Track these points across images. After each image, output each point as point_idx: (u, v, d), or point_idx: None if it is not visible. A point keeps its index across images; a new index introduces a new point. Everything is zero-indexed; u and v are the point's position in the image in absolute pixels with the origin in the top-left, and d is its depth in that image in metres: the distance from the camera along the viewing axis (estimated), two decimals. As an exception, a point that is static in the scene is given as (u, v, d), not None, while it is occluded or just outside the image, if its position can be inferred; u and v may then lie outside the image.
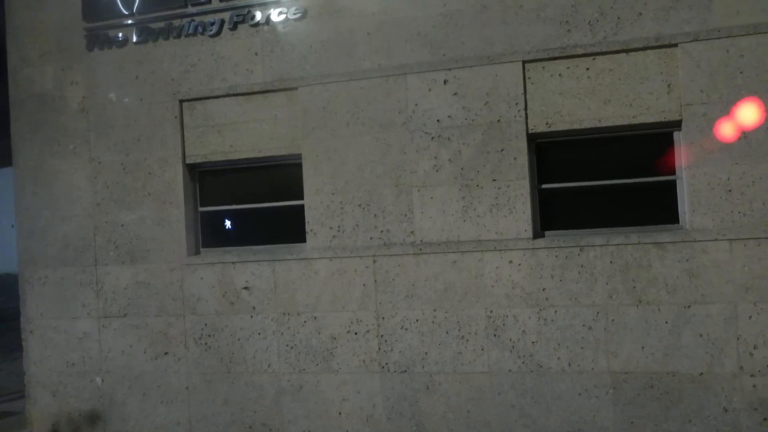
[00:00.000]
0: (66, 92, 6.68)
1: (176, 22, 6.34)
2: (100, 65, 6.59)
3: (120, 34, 6.49)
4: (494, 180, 5.56)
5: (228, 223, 6.53)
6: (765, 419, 5.03)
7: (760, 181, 5.07)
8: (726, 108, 5.15)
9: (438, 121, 5.69)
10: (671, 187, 5.42)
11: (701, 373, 5.15)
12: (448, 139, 5.67)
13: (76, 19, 6.60)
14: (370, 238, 5.82)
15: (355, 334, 5.84)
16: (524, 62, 5.54)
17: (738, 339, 5.09)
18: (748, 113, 5.11)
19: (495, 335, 5.54)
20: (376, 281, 5.80)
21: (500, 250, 5.54)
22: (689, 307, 5.18)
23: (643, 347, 5.25)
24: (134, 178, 6.47)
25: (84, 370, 6.58)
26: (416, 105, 5.75)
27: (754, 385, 5.06)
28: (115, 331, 6.48)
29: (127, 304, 6.45)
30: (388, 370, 5.77)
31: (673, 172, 5.41)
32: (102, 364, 6.54)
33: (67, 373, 6.63)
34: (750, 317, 5.07)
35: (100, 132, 6.57)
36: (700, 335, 5.15)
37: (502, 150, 5.56)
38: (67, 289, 6.63)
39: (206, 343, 6.23)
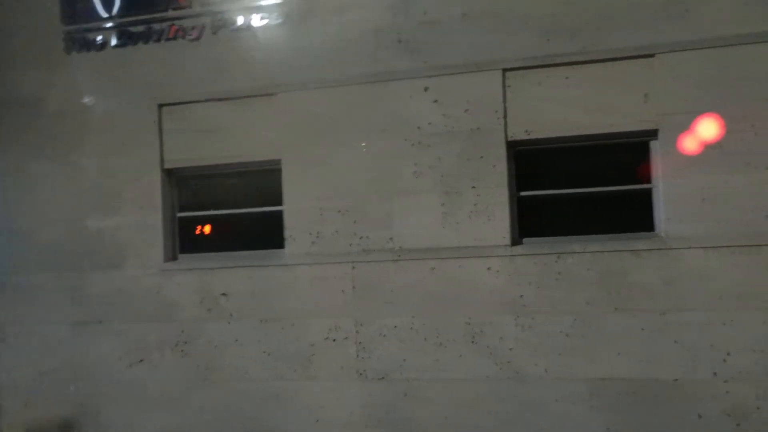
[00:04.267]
0: (46, 96, 6.60)
1: (156, 26, 6.31)
2: (80, 69, 6.53)
3: (99, 38, 6.44)
4: (473, 187, 5.59)
5: (206, 229, 6.48)
6: (738, 425, 5.09)
7: (734, 190, 5.14)
8: (702, 118, 5.23)
9: (419, 128, 5.71)
10: (648, 195, 5.48)
11: (676, 380, 5.19)
12: (429, 146, 5.69)
13: (56, 22, 6.55)
14: (350, 245, 5.82)
15: (334, 340, 5.82)
16: (504, 70, 5.58)
17: (712, 346, 5.14)
18: (723, 124, 5.19)
19: (473, 342, 5.55)
20: (354, 288, 5.79)
21: (479, 257, 5.56)
22: (665, 314, 5.23)
23: (619, 354, 5.29)
24: (112, 183, 6.40)
25: (58, 377, 6.47)
26: (397, 112, 5.77)
27: (727, 391, 5.11)
28: (91, 337, 6.40)
29: (103, 311, 6.37)
30: (366, 377, 5.76)
31: (649, 180, 5.47)
32: (77, 372, 6.44)
33: (41, 381, 6.51)
34: (724, 324, 5.12)
35: (79, 136, 6.50)
36: (675, 342, 5.20)
37: (482, 157, 5.59)
38: (43, 294, 6.52)
39: (183, 351, 6.16)
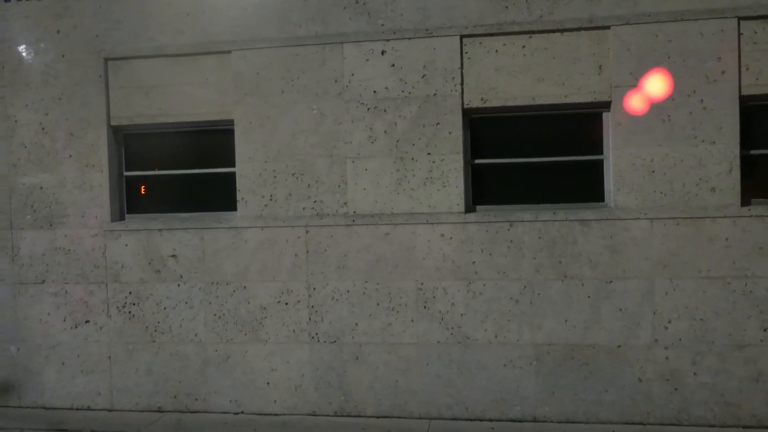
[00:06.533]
0: (-21, 45, 6.27)
1: (102, -24, 6.03)
2: (17, 17, 6.20)
3: (40, -15, 6.12)
4: (428, 153, 5.59)
5: (154, 189, 6.31)
6: (676, 389, 5.32)
7: (681, 163, 5.29)
8: (652, 91, 5.33)
9: (374, 92, 5.65)
10: (599, 166, 5.59)
11: (619, 346, 5.39)
12: (384, 110, 5.65)
13: (-9, -34, 6.19)
14: (303, 209, 5.77)
15: (286, 304, 5.80)
16: (462, 36, 5.55)
17: (654, 313, 5.34)
18: (673, 98, 5.30)
19: (425, 307, 5.62)
20: (308, 252, 5.76)
21: (432, 224, 5.59)
22: (610, 282, 5.39)
23: (566, 320, 5.44)
24: (53, 139, 6.15)
25: (-3, 338, 6.30)
26: (353, 75, 5.69)
27: (667, 357, 5.33)
28: (31, 298, 6.21)
29: (44, 271, 6.18)
30: (318, 341, 5.77)
31: (601, 151, 5.58)
32: (17, 333, 6.26)
33: (-22, 342, 6.33)
34: (666, 293, 5.32)
35: (17, 89, 6.21)
36: (620, 309, 5.38)
37: (438, 124, 5.58)
38: (-22, 253, 6.30)
39: (130, 312, 6.05)
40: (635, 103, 5.37)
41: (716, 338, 5.28)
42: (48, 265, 6.18)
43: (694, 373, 5.31)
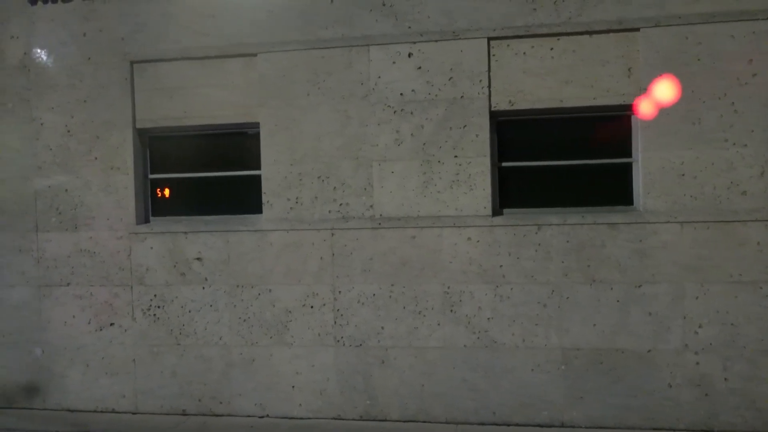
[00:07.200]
0: (4, 47, 6.28)
1: (129, -22, 6.04)
2: (42, 20, 6.22)
3: (67, -12, 6.14)
4: (455, 156, 5.56)
5: (178, 192, 6.30)
6: (706, 395, 5.26)
7: (711, 166, 5.24)
8: (683, 94, 5.28)
9: (401, 94, 5.63)
10: (627, 169, 5.54)
11: (648, 350, 5.33)
12: (411, 113, 5.62)
13: (18, -31, 6.21)
14: (329, 211, 5.74)
15: (311, 307, 5.78)
16: (489, 39, 5.52)
17: (684, 318, 5.28)
18: (704, 100, 5.25)
19: (451, 311, 5.58)
20: (333, 255, 5.74)
21: (459, 227, 5.56)
22: (640, 286, 5.34)
23: (594, 325, 5.39)
24: (79, 142, 6.16)
25: (21, 340, 6.30)
26: (379, 77, 5.67)
27: (697, 363, 5.27)
28: (56, 300, 6.22)
29: (69, 273, 6.19)
30: (343, 344, 5.75)
31: (629, 154, 5.53)
32: (41, 335, 6.27)
33: (3, 344, 6.33)
34: (696, 297, 5.26)
35: (42, 92, 6.22)
36: (649, 314, 5.32)
37: (465, 126, 5.55)
38: (3, 256, 6.30)
39: (155, 315, 6.05)
40: (666, 105, 5.32)
41: (747, 343, 5.22)
42: (73, 267, 6.19)
43: (725, 379, 5.24)
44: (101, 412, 6.19)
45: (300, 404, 5.83)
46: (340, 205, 5.73)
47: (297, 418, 5.83)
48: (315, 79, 5.77)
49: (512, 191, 5.74)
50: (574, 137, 5.64)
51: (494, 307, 5.53)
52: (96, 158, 6.13)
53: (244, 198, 6.10)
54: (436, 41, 5.58)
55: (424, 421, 5.66)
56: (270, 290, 5.84)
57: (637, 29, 5.35)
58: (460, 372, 5.59)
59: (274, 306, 5.85)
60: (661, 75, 5.31)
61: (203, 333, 5.97)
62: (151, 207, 6.31)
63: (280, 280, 5.83)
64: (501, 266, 5.51)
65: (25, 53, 6.26)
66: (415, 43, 5.61)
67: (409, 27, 5.61)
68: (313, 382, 5.81)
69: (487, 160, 5.53)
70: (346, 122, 5.72)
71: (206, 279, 5.95)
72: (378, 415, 5.71)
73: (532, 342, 5.49)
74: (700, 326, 5.26)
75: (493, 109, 5.56)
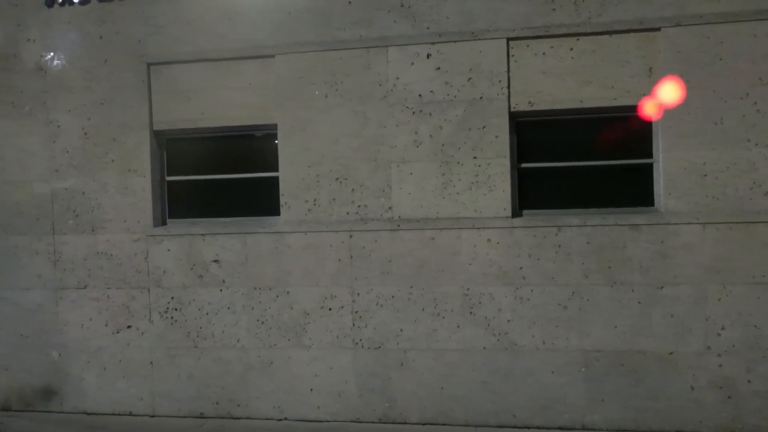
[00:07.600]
0: (21, 50, 6.29)
1: (145, -20, 6.03)
2: (59, 22, 6.22)
3: (83, -9, 6.14)
4: (474, 157, 5.53)
5: (195, 194, 6.28)
6: (729, 397, 5.22)
7: (733, 166, 5.20)
8: (704, 94, 5.24)
9: (419, 95, 5.60)
10: (648, 169, 5.50)
11: (670, 353, 5.29)
12: (429, 114, 5.60)
13: (35, -28, 6.21)
14: (347, 213, 5.72)
15: (329, 309, 5.75)
16: (508, 39, 5.49)
17: (706, 320, 5.23)
18: (725, 100, 5.21)
19: (470, 313, 5.55)
20: (351, 257, 5.71)
21: (478, 228, 5.53)
22: (661, 288, 5.29)
23: (615, 327, 5.35)
24: (96, 144, 6.16)
25: (38, 343, 6.30)
26: (397, 78, 5.65)
27: (720, 365, 5.23)
28: (73, 303, 6.21)
29: (86, 276, 6.18)
30: (362, 347, 5.72)
31: (650, 155, 5.49)
32: (58, 338, 6.26)
33: (20, 347, 6.33)
34: (719, 299, 5.21)
35: (59, 94, 6.22)
36: (671, 316, 5.28)
37: (484, 127, 5.52)
38: (20, 258, 6.30)
39: (172, 317, 6.03)
40: (685, 105, 5.27)
41: (771, 345, 5.18)
42: (90, 270, 6.18)
43: (748, 381, 5.19)
44: (118, 415, 6.18)
45: (318, 407, 5.80)
46: (359, 206, 5.70)
47: (315, 421, 5.81)
48: (333, 81, 5.75)
49: (532, 192, 5.70)
50: (594, 138, 5.60)
51: (514, 309, 5.49)
52: (113, 160, 6.12)
53: (261, 200, 6.08)
54: (455, 42, 5.56)
55: (444, 424, 5.62)
56: (288, 292, 5.82)
57: (658, 29, 5.32)
58: (480, 374, 5.56)
59: (292, 308, 5.82)
60: (682, 75, 5.27)
61: (221, 335, 5.95)
62: (168, 209, 6.29)
63: (298, 282, 5.80)
64: (521, 268, 5.47)
65: (41, 56, 6.26)
66: (433, 43, 5.59)
67: (428, 28, 5.59)
68: (331, 385, 5.78)
69: (507, 161, 5.50)
70: (364, 123, 5.69)
71: (224, 281, 5.93)
72: (397, 418, 5.68)
73: (552, 344, 5.45)
74: (722, 328, 5.21)
75: (512, 109, 5.53)
